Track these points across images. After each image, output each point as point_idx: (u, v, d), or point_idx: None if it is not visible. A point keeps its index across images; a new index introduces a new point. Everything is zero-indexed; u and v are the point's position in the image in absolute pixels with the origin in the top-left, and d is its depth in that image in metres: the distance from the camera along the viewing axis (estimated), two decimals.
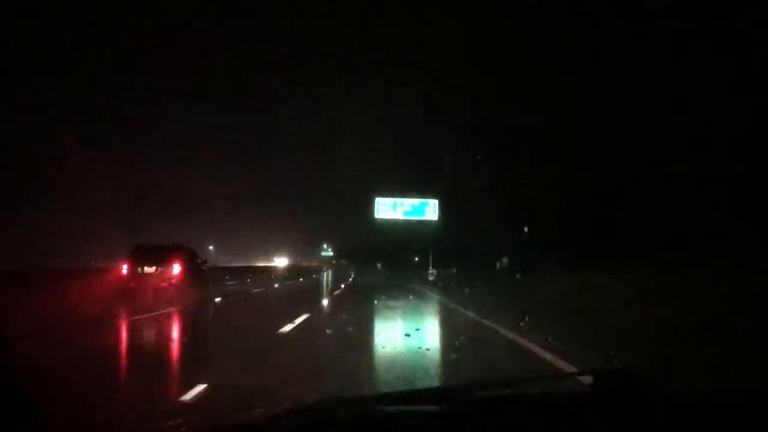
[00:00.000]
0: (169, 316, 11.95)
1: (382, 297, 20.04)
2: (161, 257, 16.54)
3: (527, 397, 1.89)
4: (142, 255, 16.48)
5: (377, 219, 39.33)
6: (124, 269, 16.24)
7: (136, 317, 11.26)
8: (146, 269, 16.26)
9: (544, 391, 2.05)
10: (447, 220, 38.78)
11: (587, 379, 1.85)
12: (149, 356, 7.30)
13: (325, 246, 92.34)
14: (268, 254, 77.49)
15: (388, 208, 38.83)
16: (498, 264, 31.90)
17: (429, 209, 38.72)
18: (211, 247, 49.62)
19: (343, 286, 29.69)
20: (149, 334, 9.67)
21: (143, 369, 6.22)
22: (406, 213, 38.92)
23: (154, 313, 11.93)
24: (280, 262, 74.52)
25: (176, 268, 16.50)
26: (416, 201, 38.81)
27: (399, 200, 38.91)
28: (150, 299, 14.84)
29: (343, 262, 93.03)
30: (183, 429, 1.79)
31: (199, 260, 19.29)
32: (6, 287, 11.49)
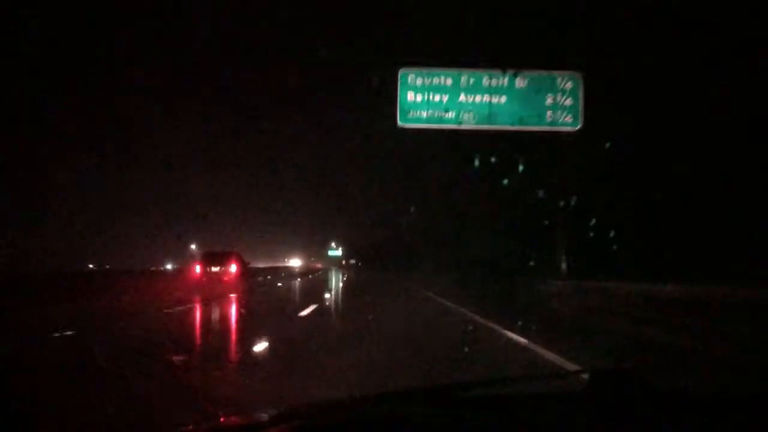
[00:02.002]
0: (252, 292, 21.01)
1: None
2: (222, 260, 24.03)
3: (524, 395, 1.91)
4: (208, 258, 24.12)
5: (402, 129, 13.97)
6: (197, 269, 23.53)
7: (230, 296, 17.81)
8: (213, 269, 23.57)
9: (541, 390, 2.03)
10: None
11: (585, 378, 1.83)
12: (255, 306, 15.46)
13: (333, 245, 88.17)
14: (280, 255, 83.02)
15: (433, 99, 13.35)
16: None
17: (556, 101, 13.02)
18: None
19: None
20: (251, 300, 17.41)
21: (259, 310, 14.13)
22: (480, 115, 13.28)
23: (235, 295, 18.33)
24: (295, 262, 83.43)
25: (233, 267, 23.83)
26: (520, 78, 13.12)
27: (465, 74, 13.39)
28: (220, 288, 20.55)
29: (353, 262, 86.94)
30: (190, 428, 1.85)
31: (246, 261, 26.84)
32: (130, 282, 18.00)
